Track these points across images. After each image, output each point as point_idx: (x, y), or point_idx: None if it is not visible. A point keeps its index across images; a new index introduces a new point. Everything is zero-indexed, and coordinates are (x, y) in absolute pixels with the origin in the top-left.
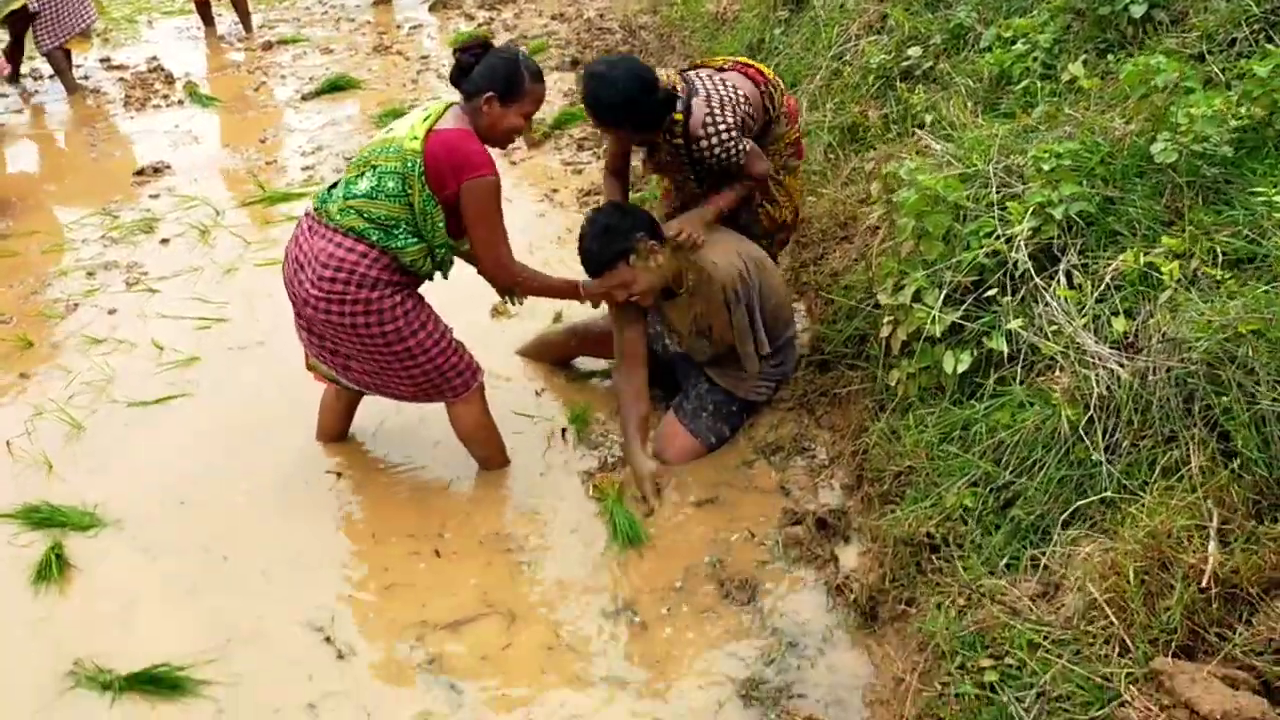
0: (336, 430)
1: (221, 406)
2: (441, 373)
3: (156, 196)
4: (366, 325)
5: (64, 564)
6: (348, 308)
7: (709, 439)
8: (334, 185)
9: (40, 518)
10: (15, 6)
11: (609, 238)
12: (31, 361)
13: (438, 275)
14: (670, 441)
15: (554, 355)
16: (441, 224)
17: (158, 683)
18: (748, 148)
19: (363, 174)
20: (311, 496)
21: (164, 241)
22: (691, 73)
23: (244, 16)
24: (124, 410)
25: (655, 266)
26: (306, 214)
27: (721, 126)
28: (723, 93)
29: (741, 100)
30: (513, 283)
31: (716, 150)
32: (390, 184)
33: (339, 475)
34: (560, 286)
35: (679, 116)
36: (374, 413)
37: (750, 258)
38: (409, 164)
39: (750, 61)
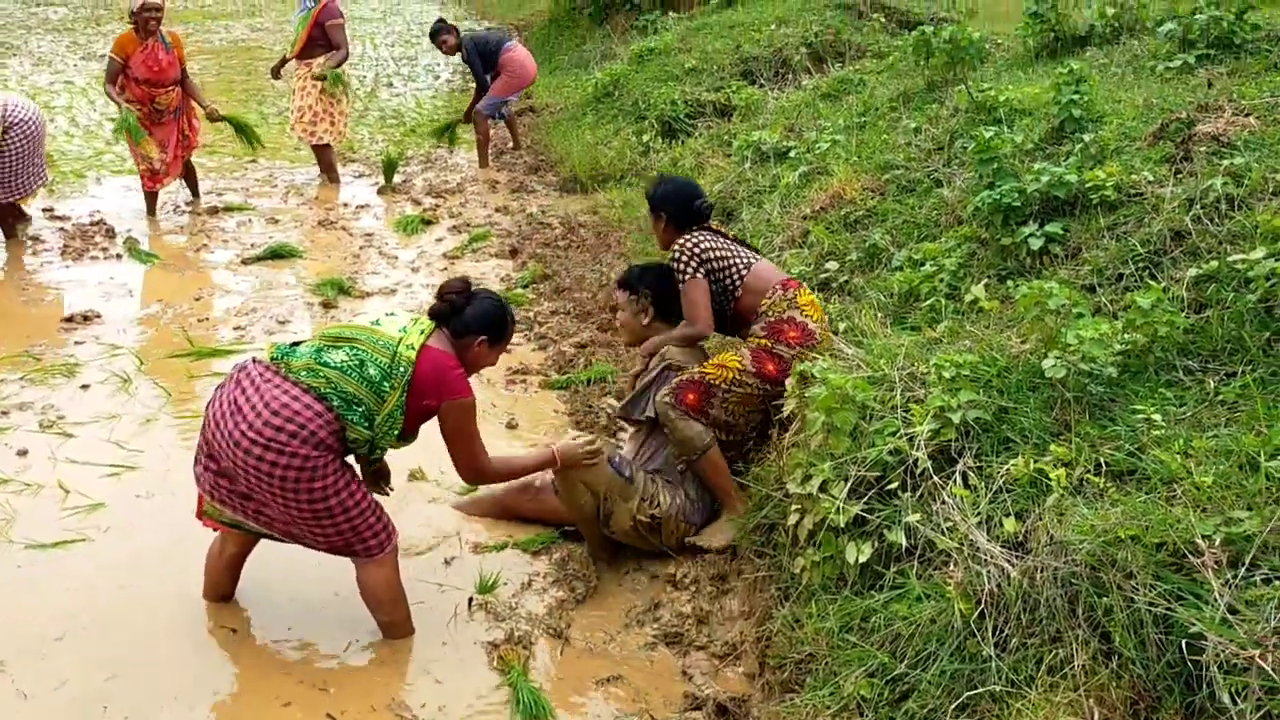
0: (224, 588)
1: (120, 554)
2: (357, 532)
3: (82, 343)
4: (296, 480)
5: None
6: (284, 459)
7: (616, 457)
8: (296, 344)
9: None
10: None
11: (644, 273)
12: None
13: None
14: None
15: (489, 512)
16: (397, 430)
17: None
18: (695, 283)
19: (339, 348)
20: (199, 651)
21: (84, 387)
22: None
23: (193, 185)
24: (20, 551)
25: (636, 317)
26: (256, 362)
27: (683, 248)
28: (700, 245)
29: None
30: (492, 481)
31: (677, 262)
32: (372, 371)
33: (233, 631)
34: (535, 462)
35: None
36: (269, 566)
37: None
38: (400, 368)
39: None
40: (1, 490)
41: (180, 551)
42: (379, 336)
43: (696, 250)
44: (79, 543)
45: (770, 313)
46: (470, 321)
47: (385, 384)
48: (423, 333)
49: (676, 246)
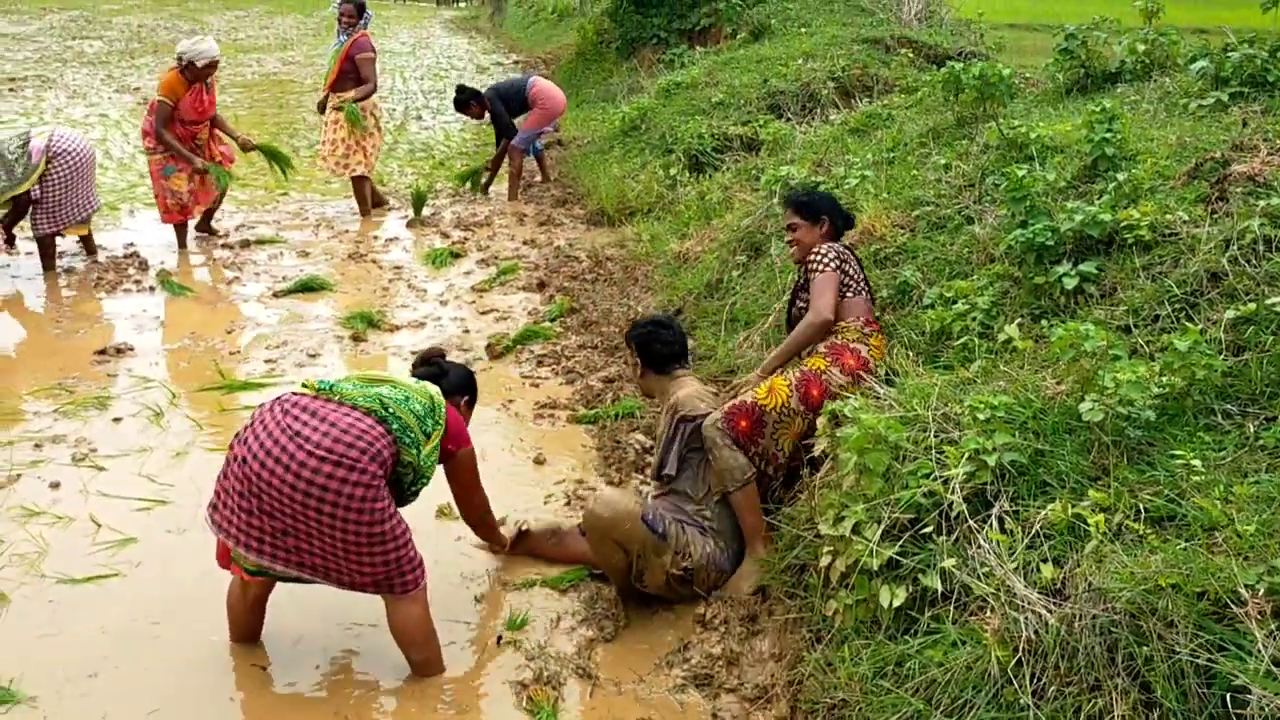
0: (250, 630)
1: (152, 590)
2: (400, 564)
3: (114, 376)
4: (361, 499)
5: None
6: (354, 475)
7: (651, 514)
8: (337, 381)
9: None
10: (17, 193)
11: (634, 329)
12: None
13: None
14: (620, 487)
15: (516, 551)
16: (435, 466)
17: None
18: (829, 268)
19: (381, 385)
20: (230, 688)
21: (116, 420)
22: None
23: (209, 216)
24: (52, 586)
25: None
26: (301, 395)
27: (828, 250)
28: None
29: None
30: (485, 530)
31: (819, 256)
32: (416, 407)
33: (262, 668)
34: (495, 529)
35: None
36: (297, 606)
37: (709, 407)
38: (438, 411)
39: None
40: (34, 523)
41: (210, 588)
42: (409, 387)
43: (839, 253)
44: (111, 578)
45: (840, 336)
46: (456, 383)
47: (429, 420)
48: (422, 386)
49: (826, 247)
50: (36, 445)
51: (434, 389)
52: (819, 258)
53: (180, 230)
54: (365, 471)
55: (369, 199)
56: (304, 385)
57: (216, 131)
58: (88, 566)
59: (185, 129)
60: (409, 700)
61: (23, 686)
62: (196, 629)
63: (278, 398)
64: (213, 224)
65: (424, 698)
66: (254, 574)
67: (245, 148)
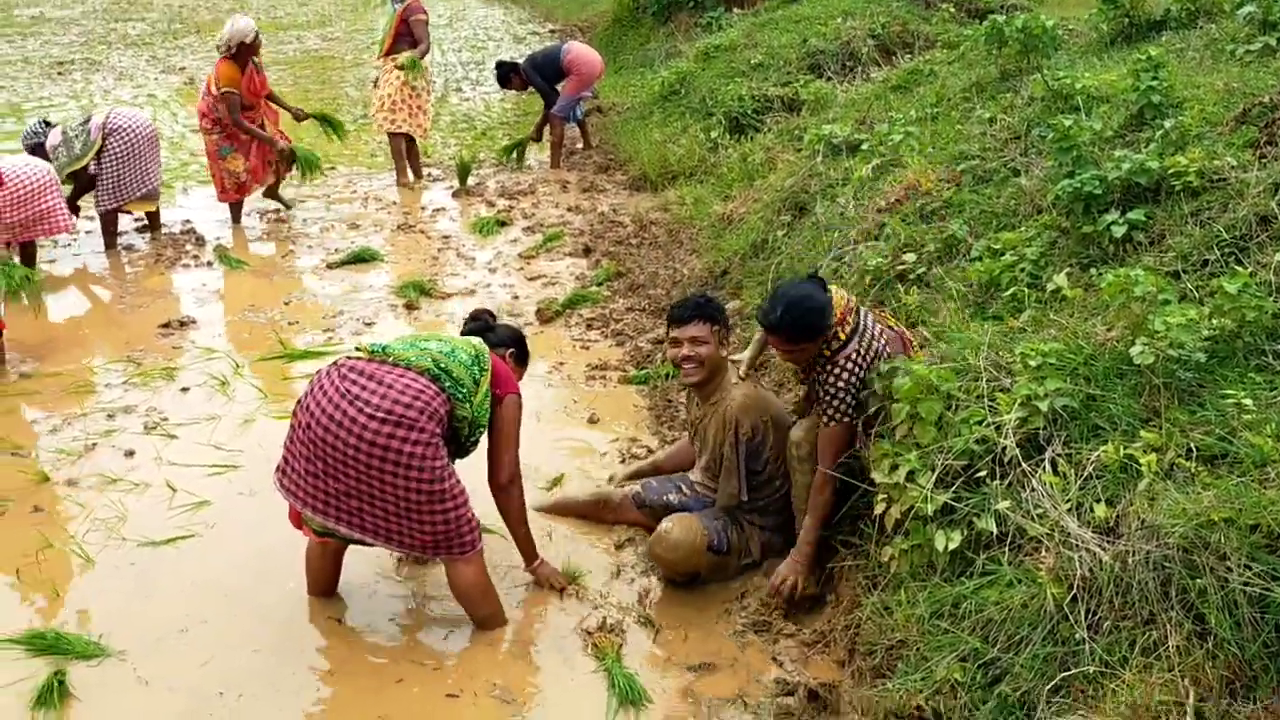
0: (327, 585)
1: (228, 549)
2: (460, 523)
3: (179, 348)
4: (421, 458)
5: (65, 692)
6: (414, 435)
7: (715, 538)
8: (389, 343)
9: (44, 644)
10: (76, 168)
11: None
12: (46, 496)
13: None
14: (681, 522)
15: (572, 513)
16: (488, 413)
17: None
18: (846, 417)
19: (430, 340)
20: (310, 640)
21: (184, 390)
22: (865, 311)
23: (276, 190)
24: (134, 549)
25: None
26: (355, 358)
27: (852, 379)
28: (875, 348)
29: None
30: (510, 498)
31: (834, 388)
32: (463, 356)
33: (338, 620)
34: (526, 537)
35: (828, 352)
36: (369, 565)
37: (771, 419)
38: (484, 357)
39: (907, 334)
40: (112, 490)
41: (284, 545)
42: (453, 339)
43: (856, 379)
44: (189, 539)
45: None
46: (503, 336)
47: (475, 368)
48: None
49: (839, 379)
50: (109, 416)
51: (477, 340)
52: (835, 396)
53: (235, 208)
54: (424, 430)
55: (407, 162)
56: (358, 349)
57: (270, 109)
58: (166, 529)
59: (244, 114)
60: (479, 647)
61: (111, 642)
62: (273, 585)
63: (335, 362)
64: (281, 193)
65: (493, 646)
66: (321, 535)
67: (299, 118)
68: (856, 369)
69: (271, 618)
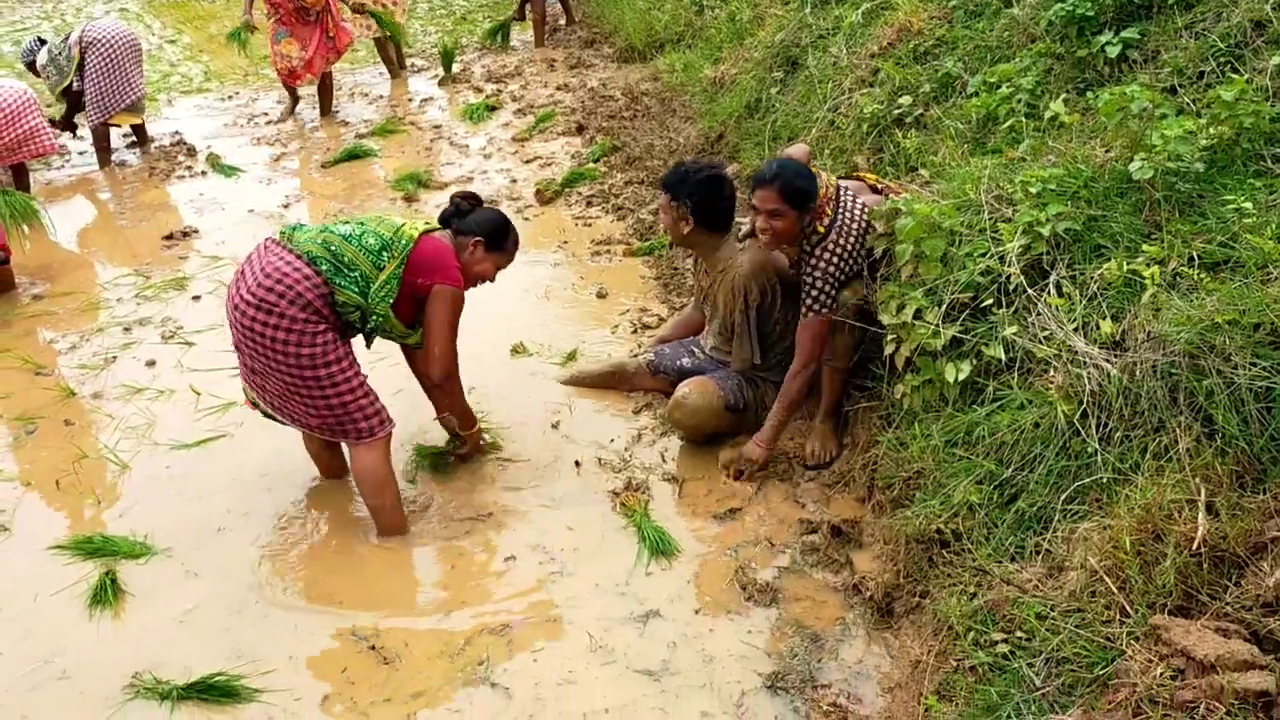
0: (332, 467)
1: (259, 446)
2: (348, 411)
3: (185, 258)
4: (285, 343)
5: (118, 589)
6: (273, 319)
7: (731, 397)
8: (301, 226)
9: (93, 548)
10: (64, 86)
11: (686, 179)
12: (74, 410)
13: (360, 342)
14: (697, 385)
15: (588, 384)
16: (391, 298)
17: (214, 691)
18: (825, 309)
19: (348, 223)
20: (345, 521)
21: (195, 298)
22: (847, 184)
23: (325, 100)
24: (166, 452)
25: (677, 224)
26: (268, 238)
27: (831, 269)
28: (854, 236)
29: (861, 252)
30: (446, 389)
31: (813, 279)
32: (370, 241)
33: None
34: (467, 410)
35: (821, 229)
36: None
37: (779, 279)
38: (400, 242)
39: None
40: (139, 399)
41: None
42: (384, 220)
43: (844, 260)
44: (220, 439)
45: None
46: (472, 223)
47: (384, 254)
48: (428, 224)
49: (818, 269)
50: (126, 329)
51: (405, 223)
52: (814, 283)
53: (290, 94)
54: (284, 315)
55: (391, 55)
56: (281, 232)
57: (336, 5)
58: (196, 431)
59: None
60: (513, 515)
61: (156, 541)
62: (301, 477)
63: (260, 242)
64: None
65: (528, 511)
66: (253, 406)
67: (356, 9)
68: (837, 260)
69: (312, 503)
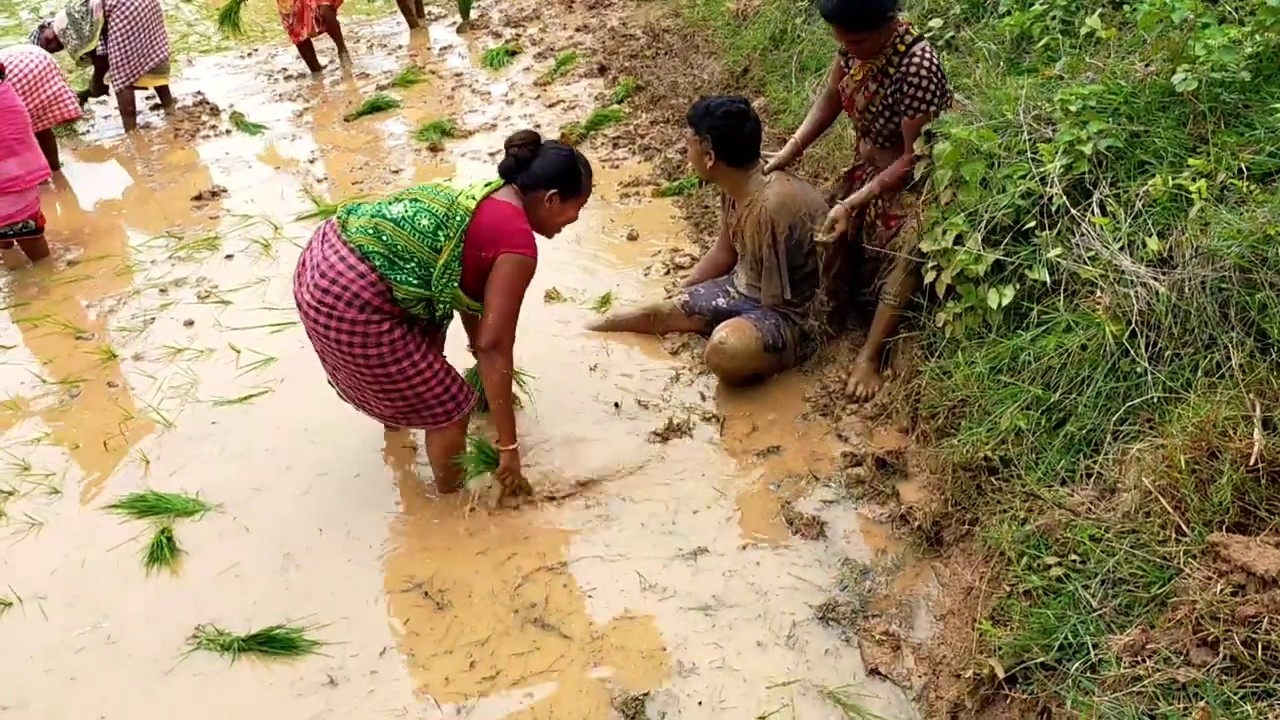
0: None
1: (302, 400)
2: (422, 400)
3: (216, 218)
4: (350, 344)
5: (173, 546)
6: (334, 322)
7: (769, 338)
8: (358, 206)
9: (146, 506)
10: (87, 50)
11: (708, 113)
12: (116, 372)
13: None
14: (734, 328)
15: (624, 329)
16: (455, 281)
17: (274, 643)
18: (933, 106)
19: (401, 201)
20: (396, 473)
21: (229, 257)
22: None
23: (338, 40)
24: (210, 409)
25: (700, 158)
26: (328, 221)
27: (936, 69)
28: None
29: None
30: (498, 365)
31: (917, 76)
32: (424, 221)
33: (416, 449)
34: (504, 411)
35: (901, 48)
36: None
37: (808, 213)
38: (456, 216)
39: None
40: (179, 359)
41: None
42: (441, 190)
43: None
44: (262, 395)
45: None
46: (539, 175)
47: (440, 234)
48: (488, 186)
49: (932, 63)
50: (161, 290)
51: (472, 190)
52: (919, 85)
53: (309, 62)
54: (344, 319)
55: (412, 8)
56: (338, 216)
57: None
58: (238, 388)
59: None
60: (559, 452)
61: (208, 497)
62: (348, 431)
63: (320, 227)
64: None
65: (574, 452)
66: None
67: None
68: (935, 59)
69: (354, 458)
